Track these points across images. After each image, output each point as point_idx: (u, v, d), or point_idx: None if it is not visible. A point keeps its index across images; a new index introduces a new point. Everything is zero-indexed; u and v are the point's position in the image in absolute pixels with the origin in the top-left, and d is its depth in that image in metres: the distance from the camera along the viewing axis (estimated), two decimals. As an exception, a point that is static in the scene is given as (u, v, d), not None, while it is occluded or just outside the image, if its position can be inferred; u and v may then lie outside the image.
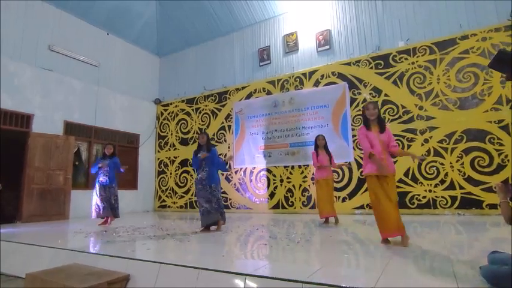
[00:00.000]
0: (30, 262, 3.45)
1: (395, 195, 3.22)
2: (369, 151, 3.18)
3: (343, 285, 1.84)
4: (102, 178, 5.91)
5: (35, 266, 3.19)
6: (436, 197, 6.10)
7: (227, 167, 7.81)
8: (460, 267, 2.19)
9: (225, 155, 8.72)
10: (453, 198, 5.96)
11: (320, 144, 5.40)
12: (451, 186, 6.00)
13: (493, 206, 5.60)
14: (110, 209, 5.82)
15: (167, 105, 10.27)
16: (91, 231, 4.87)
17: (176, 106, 10.04)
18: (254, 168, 8.27)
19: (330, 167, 5.33)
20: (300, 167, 7.62)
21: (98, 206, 5.82)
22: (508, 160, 5.59)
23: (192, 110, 9.67)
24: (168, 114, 10.18)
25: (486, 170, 5.77)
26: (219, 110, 9.14)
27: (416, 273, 2.17)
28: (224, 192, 8.50)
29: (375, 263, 2.52)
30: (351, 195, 6.88)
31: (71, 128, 7.88)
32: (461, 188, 5.92)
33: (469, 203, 5.83)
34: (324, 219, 5.26)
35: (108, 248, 3.51)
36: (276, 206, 7.78)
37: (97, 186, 5.92)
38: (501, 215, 1.89)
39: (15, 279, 3.37)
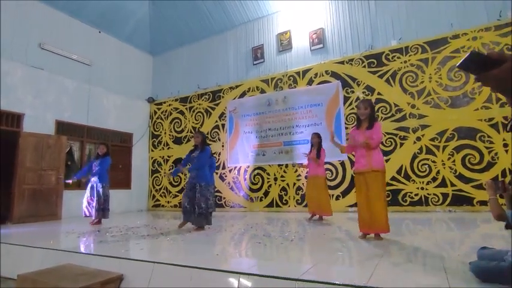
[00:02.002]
0: (21, 263, 3.41)
1: (380, 192, 3.23)
2: (347, 150, 3.59)
3: (337, 283, 1.85)
4: (93, 178, 5.89)
5: (26, 267, 3.16)
6: (428, 194, 6.17)
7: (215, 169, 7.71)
8: (451, 263, 2.23)
9: (219, 153, 8.71)
10: (445, 196, 6.03)
11: (313, 143, 5.47)
12: (443, 184, 6.07)
13: (483, 203, 5.68)
14: (100, 210, 5.77)
15: (160, 104, 10.21)
16: (84, 232, 4.83)
17: (170, 105, 9.99)
18: (248, 166, 8.27)
19: (319, 165, 5.34)
20: (293, 165, 7.64)
21: (86, 205, 5.81)
22: (498, 158, 5.68)
23: (186, 108, 9.63)
24: (162, 113, 10.12)
25: (477, 167, 5.85)
26: (213, 108, 9.12)
27: (407, 269, 2.20)
28: (218, 191, 8.49)
29: (368, 260, 2.54)
30: (344, 193, 6.92)
31: (62, 128, 7.78)
32: (452, 185, 6.00)
33: (460, 200, 5.91)
34: (311, 215, 5.45)
35: (101, 248, 3.48)
36: (270, 205, 7.80)
37: (88, 185, 5.92)
38: (490, 211, 1.92)
39: (6, 280, 3.34)
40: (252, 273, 2.15)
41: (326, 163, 6.79)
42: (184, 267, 2.42)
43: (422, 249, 2.87)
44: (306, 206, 7.17)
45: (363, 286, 1.76)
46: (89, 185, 5.92)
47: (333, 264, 2.44)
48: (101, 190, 5.80)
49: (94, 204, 5.75)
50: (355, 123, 3.56)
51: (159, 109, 10.21)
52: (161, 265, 2.56)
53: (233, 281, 2.15)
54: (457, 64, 0.78)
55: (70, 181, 6.41)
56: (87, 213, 5.84)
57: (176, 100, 9.88)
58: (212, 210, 4.72)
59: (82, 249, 3.52)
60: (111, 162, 6.05)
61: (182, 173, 8.89)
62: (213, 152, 7.92)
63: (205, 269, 2.33)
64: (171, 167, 9.54)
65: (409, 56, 6.71)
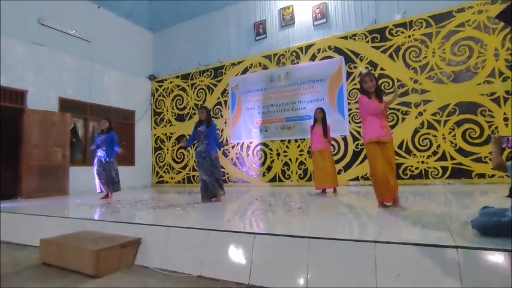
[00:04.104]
0: (40, 231, 3.53)
1: (394, 162, 3.35)
2: (378, 107, 3.29)
3: (349, 238, 1.98)
4: (100, 153, 5.94)
5: (45, 234, 3.27)
6: (428, 167, 6.31)
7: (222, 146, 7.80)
8: (454, 224, 2.36)
9: (222, 130, 8.78)
10: (444, 169, 6.18)
11: (317, 118, 5.49)
12: (443, 157, 6.20)
13: (481, 176, 5.85)
14: (111, 184, 5.86)
15: (162, 81, 10.17)
16: (94, 204, 4.98)
17: (171, 82, 9.95)
18: (251, 142, 8.37)
19: (324, 139, 5.41)
20: (296, 140, 7.75)
21: (99, 181, 5.88)
22: (498, 131, 5.78)
23: (188, 85, 9.61)
24: (163, 90, 10.10)
25: (476, 141, 5.97)
26: (215, 85, 9.10)
27: (413, 229, 2.33)
28: (222, 167, 8.61)
29: (374, 222, 2.68)
30: (347, 167, 7.06)
31: (66, 105, 7.80)
32: (452, 158, 6.13)
33: (459, 173, 6.06)
34: (320, 190, 5.42)
35: (115, 216, 3.62)
36: (272, 180, 7.96)
37: (96, 161, 5.97)
38: (492, 162, 2.05)
39: (25, 247, 3.48)
40: (266, 233, 2.28)
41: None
42: (200, 230, 2.55)
43: (425, 214, 3.01)
44: (308, 180, 7.36)
45: (373, 241, 1.89)
46: (96, 160, 5.98)
47: (342, 225, 2.57)
48: (110, 165, 5.86)
49: (104, 178, 5.83)
50: (362, 94, 3.51)
51: (160, 86, 10.19)
52: (177, 228, 2.69)
53: (249, 240, 2.28)
54: (496, 15, 0.83)
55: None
56: (99, 189, 5.91)
57: (177, 77, 9.83)
58: (221, 182, 4.90)
59: (97, 218, 3.64)
60: (117, 137, 6.06)
61: (185, 149, 8.94)
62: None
63: (220, 231, 2.46)
64: (174, 143, 9.63)
65: (413, 30, 6.66)
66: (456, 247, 1.68)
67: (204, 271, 2.33)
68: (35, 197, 6.59)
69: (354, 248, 1.94)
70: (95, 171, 5.88)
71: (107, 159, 5.87)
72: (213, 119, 8.50)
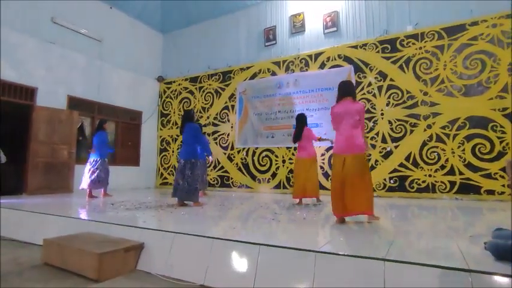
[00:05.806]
0: (42, 230, 3.53)
1: (352, 175, 3.19)
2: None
3: (357, 255, 1.93)
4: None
5: (48, 233, 3.25)
6: (436, 181, 6.22)
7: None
8: (464, 243, 2.29)
9: (228, 134, 8.77)
10: (452, 183, 6.08)
11: None
12: (451, 172, 6.11)
13: (490, 192, 5.74)
14: (95, 182, 6.07)
15: (170, 83, 10.21)
16: (98, 204, 4.98)
17: (179, 84, 9.98)
18: (257, 148, 8.33)
19: (307, 146, 5.34)
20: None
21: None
22: (509, 147, 5.68)
23: (196, 88, 9.62)
24: (171, 92, 10.13)
25: (486, 157, 5.86)
26: (223, 89, 9.10)
27: (423, 246, 2.27)
28: (226, 171, 8.62)
29: (382, 237, 2.62)
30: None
31: (74, 103, 7.84)
32: (460, 173, 6.03)
33: (467, 189, 5.95)
34: (297, 200, 5.17)
35: (118, 218, 3.59)
36: (277, 186, 7.90)
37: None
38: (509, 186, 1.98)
39: (28, 245, 3.47)
40: (272, 245, 2.23)
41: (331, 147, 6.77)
42: (205, 238, 2.51)
43: (435, 231, 2.94)
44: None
45: (383, 259, 1.84)
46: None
47: (350, 240, 2.51)
48: (102, 164, 6.15)
49: (92, 176, 6.02)
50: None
51: (168, 88, 10.22)
52: (181, 235, 2.65)
53: (254, 251, 2.23)
54: None
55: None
56: (83, 186, 6.09)
57: (186, 80, 9.86)
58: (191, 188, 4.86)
59: (100, 219, 3.62)
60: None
61: None
62: (220, 132, 8.05)
63: (226, 240, 2.42)
64: (179, 146, 9.62)
65: (425, 42, 6.61)
66: (470, 271, 1.63)
67: (208, 280, 2.29)
68: (40, 193, 6.61)
69: (363, 265, 1.88)
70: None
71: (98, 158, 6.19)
72: (217, 123, 8.56)
